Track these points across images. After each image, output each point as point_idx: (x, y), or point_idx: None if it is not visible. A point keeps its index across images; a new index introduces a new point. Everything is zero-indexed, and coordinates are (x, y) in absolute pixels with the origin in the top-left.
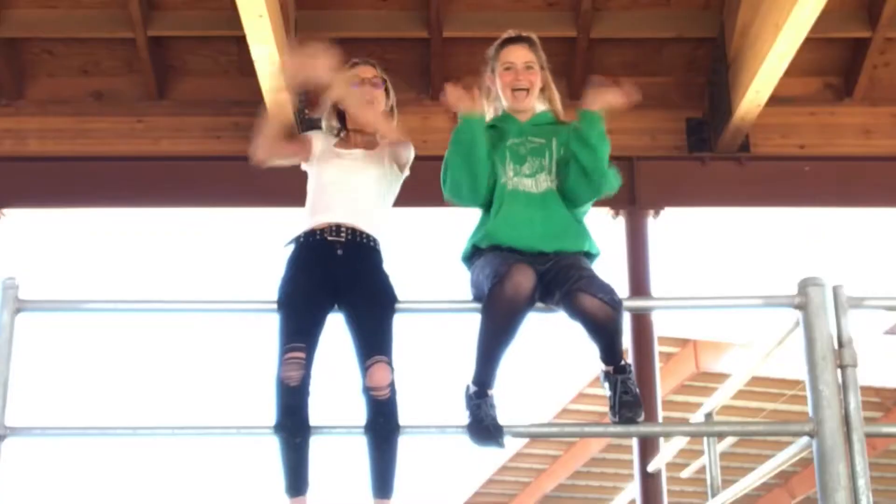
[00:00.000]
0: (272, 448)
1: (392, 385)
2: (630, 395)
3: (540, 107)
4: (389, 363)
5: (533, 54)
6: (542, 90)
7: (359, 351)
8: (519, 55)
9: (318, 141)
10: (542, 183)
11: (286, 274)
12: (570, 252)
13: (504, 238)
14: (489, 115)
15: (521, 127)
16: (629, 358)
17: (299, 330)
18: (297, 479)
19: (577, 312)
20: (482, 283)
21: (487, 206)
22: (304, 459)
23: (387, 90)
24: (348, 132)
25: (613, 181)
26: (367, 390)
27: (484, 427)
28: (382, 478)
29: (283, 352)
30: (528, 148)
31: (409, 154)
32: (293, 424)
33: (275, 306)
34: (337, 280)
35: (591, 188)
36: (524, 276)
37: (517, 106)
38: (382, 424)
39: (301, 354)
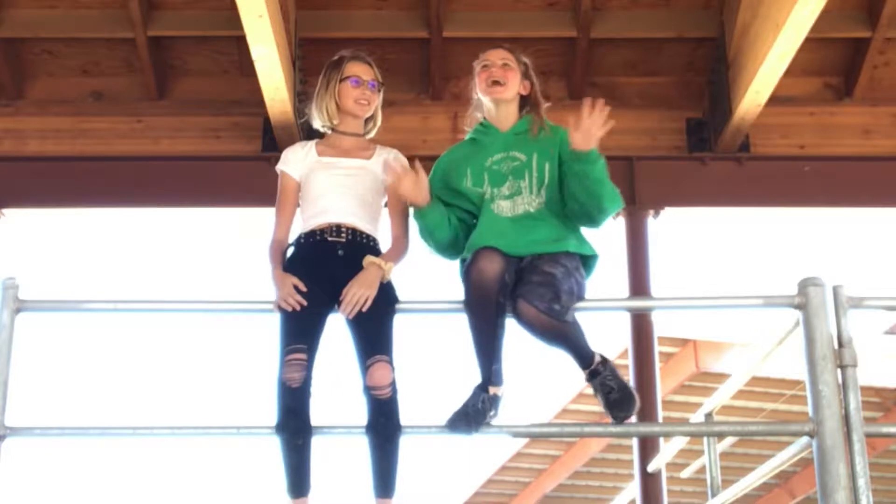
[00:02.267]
0: (273, 449)
1: (393, 384)
2: (616, 392)
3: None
4: (390, 363)
5: (511, 55)
6: (528, 100)
7: (359, 351)
8: (495, 54)
9: (297, 161)
10: (518, 206)
11: (289, 271)
12: (548, 252)
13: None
14: (472, 124)
15: (503, 139)
16: (629, 358)
17: (300, 331)
18: (299, 480)
19: (517, 319)
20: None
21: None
22: (306, 460)
23: (379, 92)
24: (335, 131)
25: (615, 207)
26: (368, 390)
27: (463, 413)
28: (384, 477)
29: (285, 353)
30: (509, 167)
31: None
32: (295, 426)
33: (272, 307)
34: (338, 280)
35: (592, 222)
36: (488, 261)
37: (494, 97)
38: (384, 424)
39: (302, 356)
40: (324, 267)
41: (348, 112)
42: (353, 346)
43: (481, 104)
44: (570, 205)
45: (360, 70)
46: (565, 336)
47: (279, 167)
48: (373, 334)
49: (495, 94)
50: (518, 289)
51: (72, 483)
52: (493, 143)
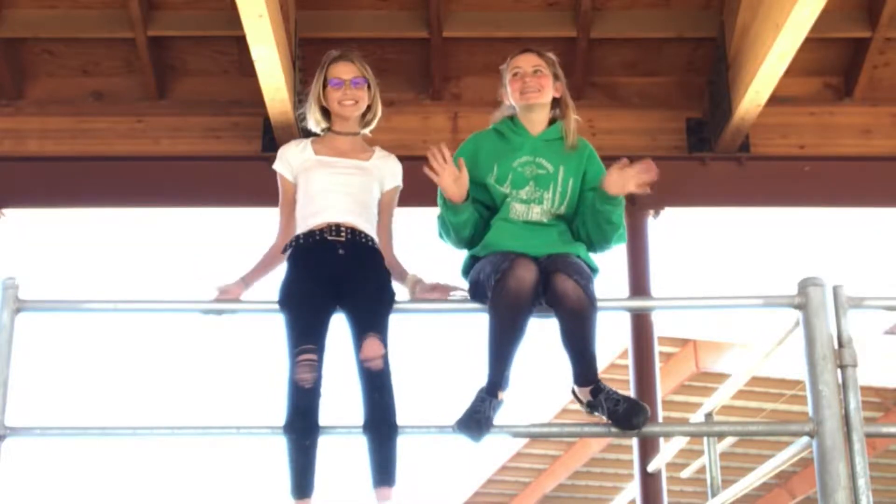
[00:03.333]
0: (273, 449)
1: (385, 358)
2: (623, 403)
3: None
4: (382, 340)
5: (542, 60)
6: (558, 102)
7: (354, 331)
8: (526, 61)
9: (293, 158)
10: (533, 213)
11: (289, 274)
12: (562, 252)
13: (500, 248)
14: (499, 118)
15: (531, 143)
16: (629, 358)
17: (309, 331)
18: (304, 482)
19: (553, 295)
20: (482, 283)
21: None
22: (312, 461)
23: (369, 85)
24: (331, 131)
25: (616, 246)
26: (361, 363)
27: (474, 419)
28: (384, 465)
29: (296, 353)
30: (533, 172)
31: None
32: (304, 426)
33: (275, 306)
34: (339, 279)
35: (590, 249)
36: (526, 270)
37: (529, 102)
38: (377, 400)
39: (313, 356)
40: (325, 267)
41: (335, 113)
42: (349, 331)
43: (511, 108)
44: (577, 227)
45: (340, 70)
46: (589, 321)
47: (276, 167)
48: (367, 317)
49: (531, 98)
50: (550, 271)
51: (72, 483)
52: (521, 144)
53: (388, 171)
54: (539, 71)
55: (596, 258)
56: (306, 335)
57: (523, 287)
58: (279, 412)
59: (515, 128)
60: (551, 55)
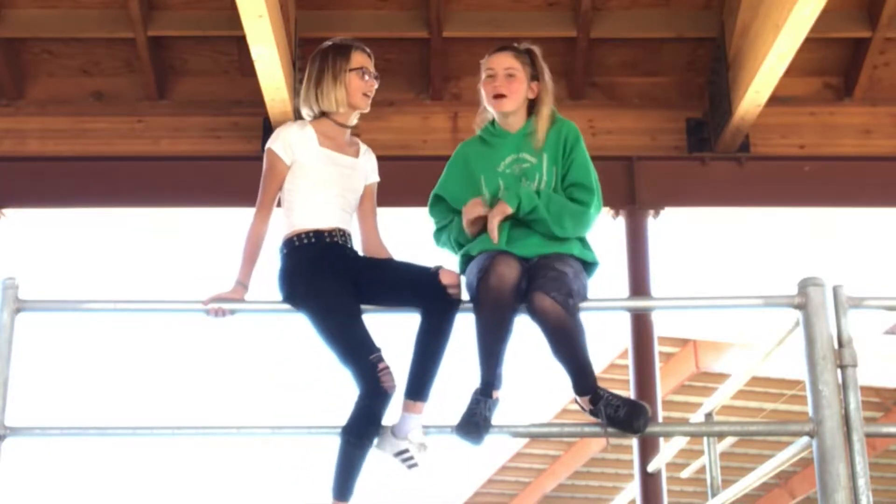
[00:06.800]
0: (272, 449)
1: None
2: (623, 407)
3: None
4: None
5: (517, 61)
6: (537, 102)
7: (410, 275)
8: (500, 62)
9: (295, 143)
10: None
11: (314, 273)
12: (554, 253)
13: (491, 246)
14: (480, 126)
15: (512, 141)
16: (629, 358)
17: (370, 337)
18: (353, 485)
19: (531, 312)
20: (472, 283)
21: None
22: (363, 466)
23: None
24: (329, 119)
25: (579, 231)
26: (441, 290)
27: (473, 422)
28: (423, 377)
29: (372, 362)
30: (520, 169)
31: None
32: (376, 432)
33: (274, 306)
34: (354, 282)
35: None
36: (507, 267)
37: (497, 110)
38: (445, 308)
39: (387, 363)
40: (348, 270)
41: (354, 105)
42: (400, 290)
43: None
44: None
45: (366, 61)
46: (573, 336)
47: (274, 147)
48: (409, 270)
49: (498, 107)
50: (531, 284)
51: (72, 483)
52: (502, 144)
53: (371, 167)
54: (512, 74)
55: (596, 253)
56: (372, 341)
57: (505, 284)
58: (342, 415)
59: (496, 130)
60: (533, 49)
